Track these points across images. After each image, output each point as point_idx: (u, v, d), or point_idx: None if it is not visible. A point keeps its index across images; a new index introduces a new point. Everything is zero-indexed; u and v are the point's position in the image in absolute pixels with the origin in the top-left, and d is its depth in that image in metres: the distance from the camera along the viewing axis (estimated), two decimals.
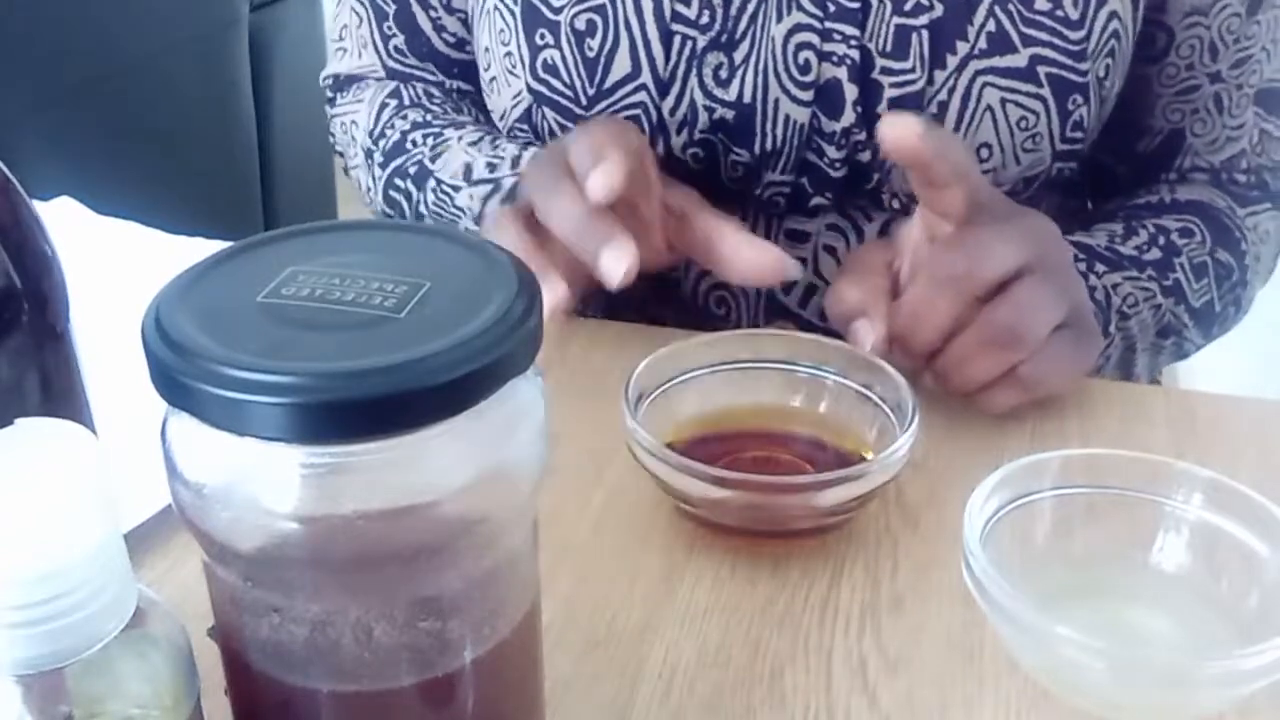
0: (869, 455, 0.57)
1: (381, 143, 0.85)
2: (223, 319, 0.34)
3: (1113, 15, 0.73)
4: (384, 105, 0.86)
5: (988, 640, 0.51)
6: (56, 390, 0.42)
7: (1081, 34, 0.72)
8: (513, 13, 0.77)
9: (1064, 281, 0.63)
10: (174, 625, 0.35)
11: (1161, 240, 0.77)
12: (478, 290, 0.35)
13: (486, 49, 0.80)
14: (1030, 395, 0.63)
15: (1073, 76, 0.73)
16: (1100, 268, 0.73)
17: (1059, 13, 0.72)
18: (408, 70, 0.87)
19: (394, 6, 0.86)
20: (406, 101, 0.86)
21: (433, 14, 0.85)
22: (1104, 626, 0.49)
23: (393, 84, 0.88)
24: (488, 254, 0.37)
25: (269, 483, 0.33)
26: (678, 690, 0.50)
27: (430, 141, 0.82)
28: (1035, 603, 0.46)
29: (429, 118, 0.84)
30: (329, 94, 0.93)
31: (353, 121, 0.89)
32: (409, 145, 0.83)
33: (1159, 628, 0.51)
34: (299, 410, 0.31)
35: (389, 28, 0.86)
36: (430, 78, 0.88)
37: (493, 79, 0.81)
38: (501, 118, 0.81)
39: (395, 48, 0.87)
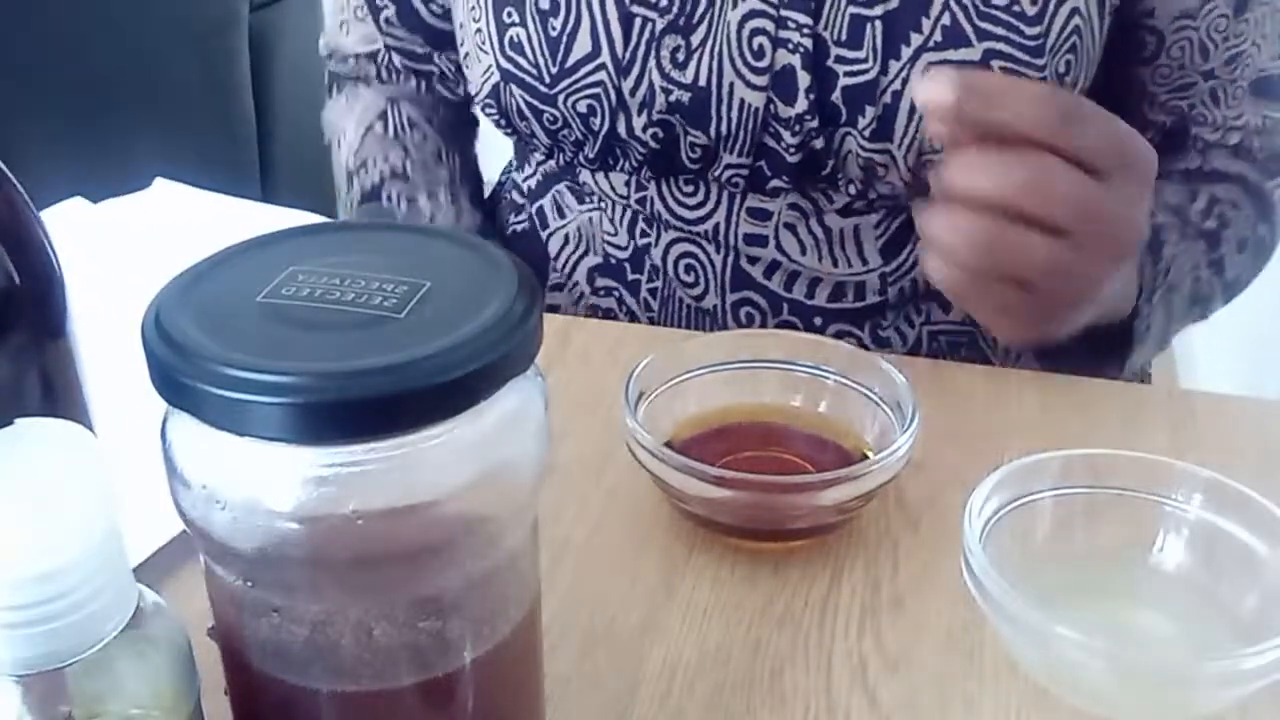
0: (869, 455, 0.57)
1: (361, 175, 0.88)
2: (223, 319, 0.34)
3: (1074, 12, 0.73)
4: (369, 130, 0.89)
5: (988, 640, 0.51)
6: (56, 390, 0.42)
7: (1039, 29, 0.72)
8: None
9: (1133, 211, 0.63)
10: (174, 625, 0.35)
11: (1217, 211, 0.79)
12: (478, 290, 0.35)
13: (461, 25, 0.82)
14: (1037, 275, 0.60)
15: (1028, 71, 0.73)
16: (1173, 235, 0.75)
17: (1016, 8, 0.72)
18: (399, 43, 0.89)
19: None
20: (391, 132, 0.88)
21: None
22: (1104, 626, 0.49)
23: (382, 103, 0.90)
24: (488, 254, 0.37)
25: (269, 483, 0.33)
26: (678, 690, 0.50)
27: (404, 205, 0.86)
28: (1035, 603, 0.46)
29: (408, 167, 0.87)
30: (327, 77, 0.96)
31: (341, 131, 0.92)
32: (384, 198, 0.86)
33: (1159, 628, 0.51)
34: (299, 410, 0.31)
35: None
36: (419, 50, 0.90)
37: (466, 54, 0.82)
38: (476, 95, 0.83)
39: (386, 19, 0.89)
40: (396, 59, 0.90)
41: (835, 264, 0.79)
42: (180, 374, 0.32)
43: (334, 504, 0.33)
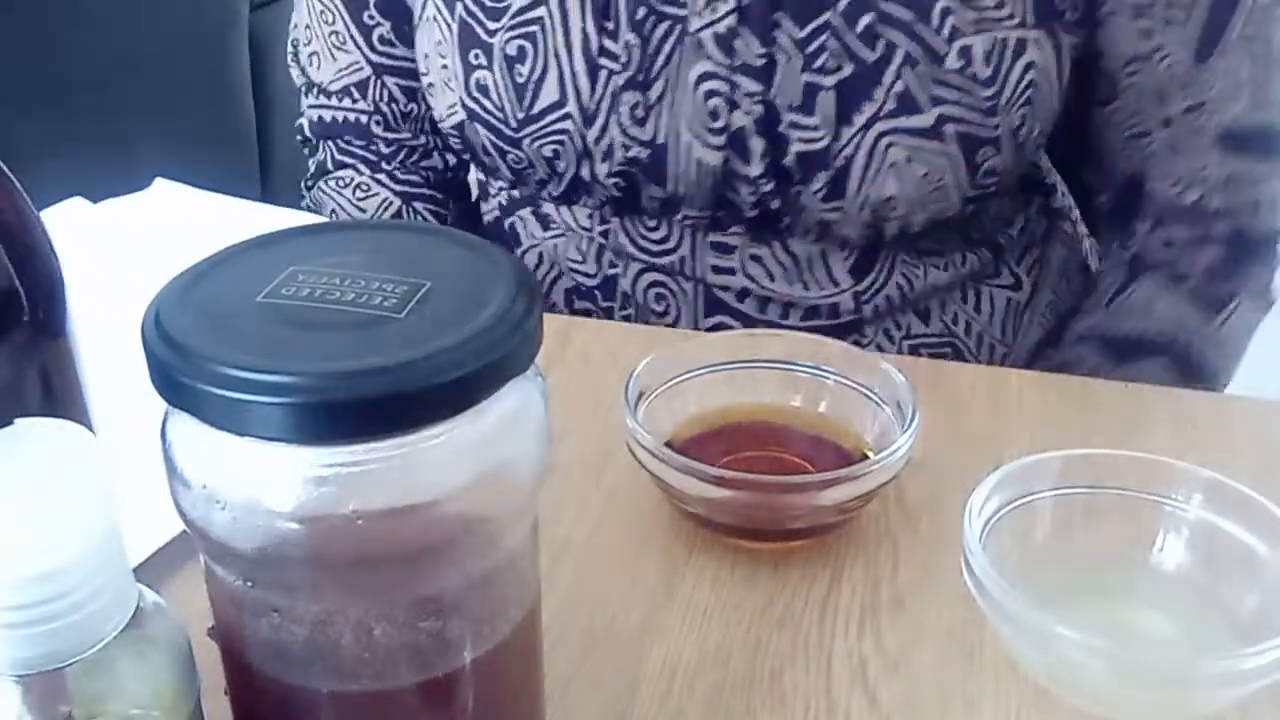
0: (869, 455, 0.57)
1: None
2: (223, 319, 0.34)
3: (1029, 66, 0.73)
4: None
5: (988, 640, 0.51)
6: (56, 390, 0.42)
7: (993, 90, 0.72)
8: (450, 27, 0.77)
9: None
10: (174, 625, 0.35)
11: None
12: (478, 290, 0.35)
13: (426, 55, 0.81)
14: None
15: (982, 132, 0.73)
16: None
17: (969, 70, 0.72)
18: (395, 62, 0.87)
19: None
20: None
21: (368, 16, 0.86)
22: (1104, 626, 0.49)
23: (397, 202, 0.88)
24: (488, 254, 0.37)
25: (269, 483, 0.33)
26: (678, 690, 0.50)
27: None
28: (1035, 603, 0.46)
29: None
30: (304, 136, 0.93)
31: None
32: None
33: (1159, 628, 0.51)
34: (299, 410, 0.31)
35: (370, 16, 0.86)
36: (411, 66, 0.87)
37: (430, 85, 0.82)
38: (441, 123, 0.82)
39: (380, 38, 0.86)
40: (390, 82, 0.88)
41: (806, 287, 0.79)
42: (180, 374, 0.32)
43: (334, 504, 0.33)
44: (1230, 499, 0.51)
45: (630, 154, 0.75)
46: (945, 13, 0.71)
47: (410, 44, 0.86)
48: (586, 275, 0.82)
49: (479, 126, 0.78)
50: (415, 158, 0.90)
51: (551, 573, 0.54)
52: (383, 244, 0.38)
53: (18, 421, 0.33)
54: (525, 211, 0.84)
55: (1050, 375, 0.70)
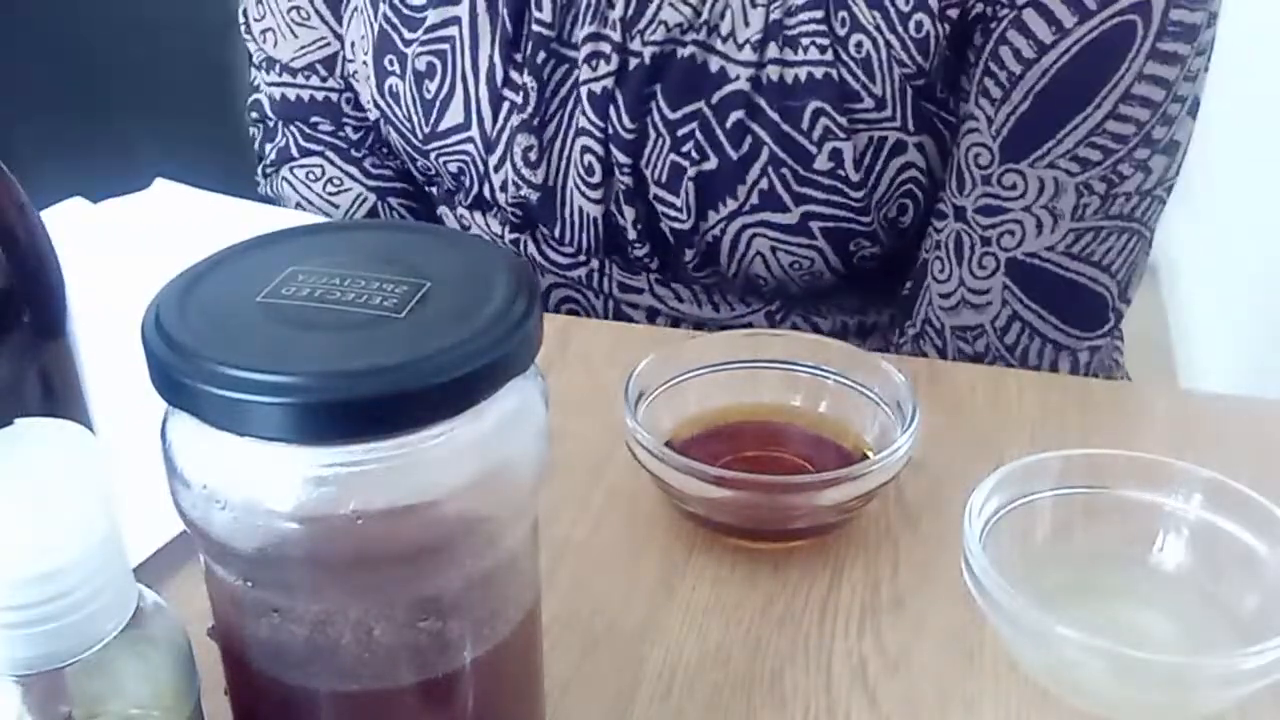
0: (869, 455, 0.57)
1: None
2: (223, 319, 0.34)
3: (907, 165, 0.69)
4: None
5: (988, 640, 0.51)
6: (56, 390, 0.42)
7: (863, 192, 0.69)
8: (371, 26, 0.76)
9: None
10: (174, 625, 0.35)
11: None
12: (478, 290, 0.35)
13: (353, 44, 0.80)
14: None
15: (854, 226, 0.70)
16: None
17: (840, 172, 0.69)
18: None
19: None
20: None
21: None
22: (1104, 626, 0.49)
23: (371, 198, 0.85)
24: (488, 254, 0.37)
25: (269, 483, 0.33)
26: (678, 690, 0.50)
27: None
28: (1035, 603, 0.46)
29: None
30: (262, 115, 0.89)
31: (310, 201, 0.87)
32: None
33: (1159, 628, 0.51)
34: (299, 410, 0.31)
35: None
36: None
37: (354, 72, 0.81)
38: (365, 110, 0.81)
39: (357, 8, 0.81)
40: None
41: (716, 309, 0.78)
42: (180, 374, 0.32)
43: (334, 504, 0.33)
44: (1230, 499, 0.51)
45: (522, 193, 0.75)
46: (817, 115, 0.68)
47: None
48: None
49: (390, 130, 0.78)
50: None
51: (551, 573, 0.54)
52: (383, 244, 0.38)
53: (18, 421, 0.33)
54: (444, 210, 0.84)
55: (1050, 375, 0.70)
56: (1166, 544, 0.53)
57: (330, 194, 0.85)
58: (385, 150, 0.87)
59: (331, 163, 0.86)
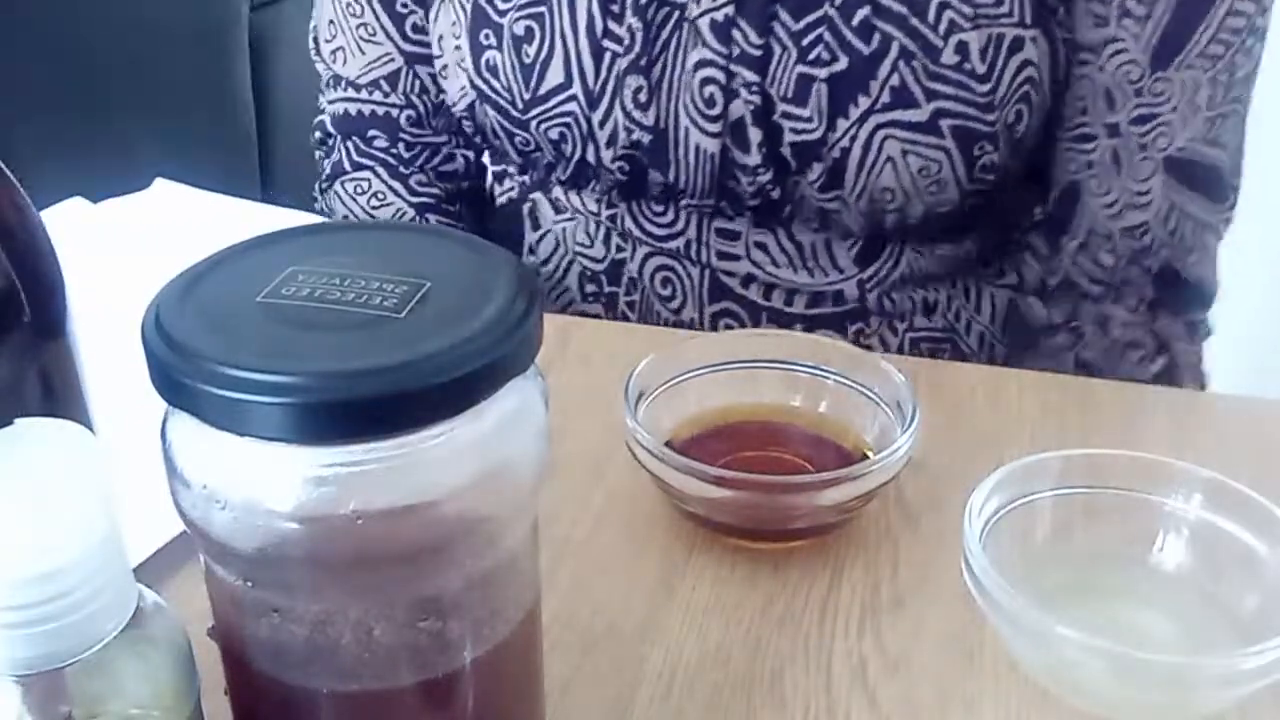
0: (869, 455, 0.57)
1: None
2: (223, 319, 0.34)
3: (1025, 64, 0.72)
4: None
5: (988, 640, 0.51)
6: (56, 390, 0.42)
7: (988, 86, 0.72)
8: (464, 8, 0.78)
9: None
10: (174, 625, 0.35)
11: None
12: (478, 290, 0.35)
13: (441, 37, 0.81)
14: None
15: (979, 126, 0.73)
16: None
17: (966, 65, 0.71)
18: (427, 51, 0.85)
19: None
20: None
21: (401, 4, 0.84)
22: (1104, 626, 0.49)
23: (410, 214, 0.86)
24: (488, 254, 0.37)
25: (269, 483, 0.33)
26: (678, 690, 0.50)
27: None
28: (1035, 603, 0.46)
29: None
30: (324, 133, 0.90)
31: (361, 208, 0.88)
32: None
33: (1159, 628, 0.51)
34: (299, 410, 0.31)
35: (403, 4, 0.84)
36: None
37: (444, 66, 0.81)
38: (454, 107, 0.82)
39: (414, 25, 0.84)
40: (423, 72, 0.86)
41: (811, 274, 0.79)
42: (180, 374, 0.32)
43: (334, 504, 0.33)
44: (1230, 499, 0.51)
45: (633, 138, 0.75)
46: (942, 7, 0.71)
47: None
48: (594, 260, 0.83)
49: (488, 108, 0.78)
50: (438, 161, 0.89)
51: (551, 573, 0.54)
52: (383, 244, 0.38)
53: (18, 421, 0.33)
54: (538, 195, 0.84)
55: (1050, 375, 0.70)
56: (1166, 544, 0.53)
57: (374, 207, 0.87)
58: (436, 170, 0.89)
59: (379, 177, 0.87)
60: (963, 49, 0.71)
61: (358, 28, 0.86)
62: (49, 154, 1.47)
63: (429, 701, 0.37)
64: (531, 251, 0.86)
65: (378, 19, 0.85)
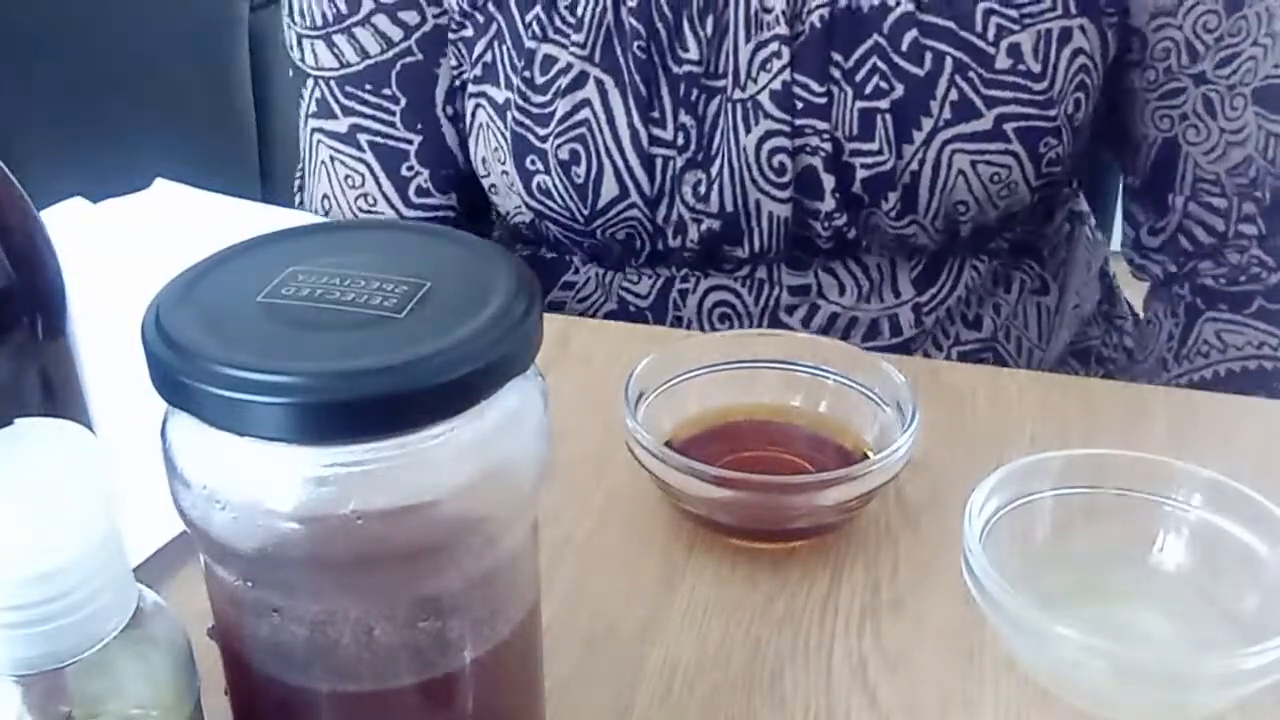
0: (869, 455, 0.57)
1: None
2: (223, 319, 0.34)
3: (1077, 53, 0.73)
4: None
5: (988, 640, 0.51)
6: (56, 390, 0.42)
7: (1045, 84, 0.72)
8: (504, 136, 0.77)
9: None
10: (174, 625, 0.35)
11: None
12: (478, 290, 0.35)
13: (484, 159, 0.80)
14: None
15: (1042, 124, 0.73)
16: None
17: (1021, 67, 0.71)
18: (430, 215, 0.83)
19: (419, 138, 0.81)
20: None
21: (459, 125, 0.81)
22: (1104, 626, 0.49)
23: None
24: (488, 254, 0.37)
25: (269, 483, 0.33)
26: (678, 690, 0.50)
27: None
28: (1035, 603, 0.46)
29: None
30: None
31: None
32: None
33: (1159, 628, 0.51)
34: (299, 410, 0.31)
35: (409, 168, 0.82)
36: (451, 216, 0.84)
37: (492, 186, 0.80)
38: (509, 217, 0.81)
39: (419, 188, 0.82)
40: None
41: (868, 301, 0.79)
42: (180, 374, 0.32)
43: (334, 504, 0.33)
44: (1230, 499, 0.51)
45: (703, 227, 0.76)
46: (988, 14, 0.71)
47: (445, 190, 0.83)
48: (639, 296, 0.81)
49: (548, 224, 0.78)
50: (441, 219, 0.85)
51: (551, 573, 0.54)
52: (383, 244, 0.38)
53: (18, 421, 0.33)
54: (615, 274, 0.82)
55: (1050, 375, 0.70)
56: (1166, 544, 0.52)
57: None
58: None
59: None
60: (1015, 51, 0.71)
61: (357, 199, 0.83)
62: (49, 154, 1.47)
63: (429, 701, 0.37)
64: (567, 286, 0.84)
65: (379, 187, 0.82)
